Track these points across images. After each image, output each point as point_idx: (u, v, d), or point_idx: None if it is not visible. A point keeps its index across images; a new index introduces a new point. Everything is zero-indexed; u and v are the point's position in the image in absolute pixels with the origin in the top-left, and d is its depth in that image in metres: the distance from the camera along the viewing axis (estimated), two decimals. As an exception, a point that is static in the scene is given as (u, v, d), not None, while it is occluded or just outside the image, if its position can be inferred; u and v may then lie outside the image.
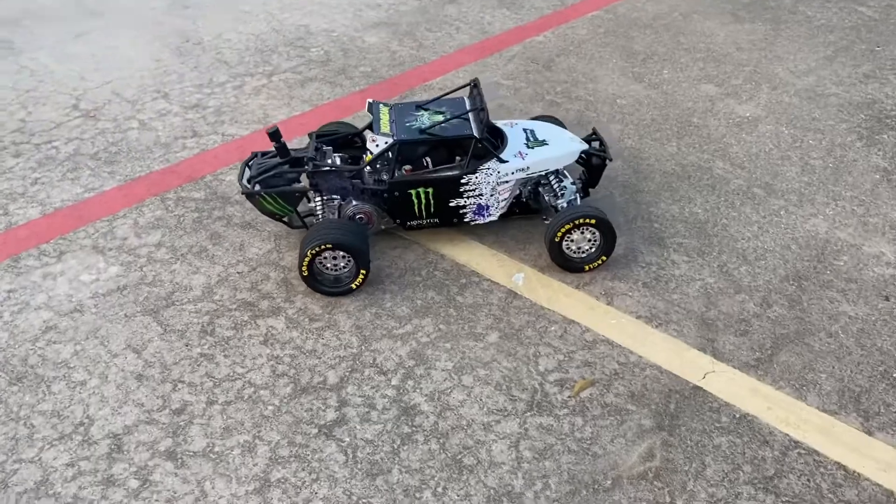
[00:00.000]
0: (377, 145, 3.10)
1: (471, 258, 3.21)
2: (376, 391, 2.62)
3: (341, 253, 2.92)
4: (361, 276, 2.98)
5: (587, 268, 3.11)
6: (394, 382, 2.65)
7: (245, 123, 4.27)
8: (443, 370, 2.69)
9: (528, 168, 3.14)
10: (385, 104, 3.30)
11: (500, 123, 3.32)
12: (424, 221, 3.21)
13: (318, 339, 2.83)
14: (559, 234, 3.01)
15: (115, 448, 2.44)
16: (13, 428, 2.51)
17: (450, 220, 3.21)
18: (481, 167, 3.07)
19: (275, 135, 3.17)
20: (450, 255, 3.24)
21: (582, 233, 3.04)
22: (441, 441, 2.45)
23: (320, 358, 2.76)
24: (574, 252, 3.10)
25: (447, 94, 3.33)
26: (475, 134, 3.03)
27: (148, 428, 2.50)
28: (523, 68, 4.83)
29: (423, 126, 3.11)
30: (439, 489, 2.31)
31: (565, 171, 3.30)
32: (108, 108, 4.44)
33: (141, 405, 2.58)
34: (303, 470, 2.36)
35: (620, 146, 3.97)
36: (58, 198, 3.66)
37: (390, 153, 3.07)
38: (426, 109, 3.25)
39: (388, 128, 3.12)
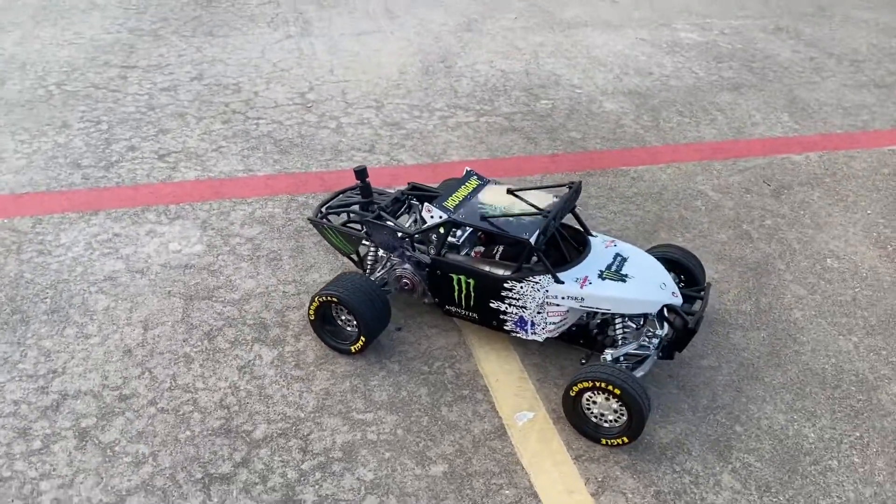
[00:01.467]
0: (431, 217, 2.85)
1: (494, 371, 2.81)
2: (282, 466, 2.43)
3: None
4: (360, 343, 2.78)
5: (604, 441, 2.53)
6: (304, 467, 2.43)
7: (419, 154, 4.24)
8: (358, 479, 2.39)
9: (582, 299, 2.63)
10: (479, 178, 3.02)
11: (598, 239, 2.84)
12: (462, 311, 2.88)
13: (284, 387, 2.71)
14: (576, 388, 2.49)
15: (55, 406, 2.59)
16: (9, 351, 2.81)
17: (489, 322, 2.84)
18: (530, 278, 2.66)
19: (361, 173, 3.10)
20: (478, 357, 2.87)
21: (607, 399, 2.47)
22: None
23: (268, 407, 2.63)
24: (595, 417, 2.54)
25: (547, 187, 2.93)
26: (529, 240, 2.62)
27: (90, 401, 2.62)
28: (746, 186, 4.09)
29: (489, 213, 2.78)
30: None
31: (656, 321, 2.70)
32: (326, 104, 4.73)
33: (104, 377, 2.71)
34: (163, 508, 2.29)
35: (783, 315, 3.16)
36: (219, 168, 4.00)
37: (441, 229, 2.81)
38: (516, 197, 2.90)
39: (454, 203, 2.85)
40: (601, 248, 2.81)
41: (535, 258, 2.77)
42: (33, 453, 2.42)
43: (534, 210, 2.75)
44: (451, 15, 6.36)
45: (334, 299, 2.72)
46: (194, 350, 2.84)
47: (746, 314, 3.15)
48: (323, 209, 3.12)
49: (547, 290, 2.65)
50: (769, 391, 2.79)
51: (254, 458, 2.44)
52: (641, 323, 2.74)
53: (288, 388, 2.70)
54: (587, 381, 2.45)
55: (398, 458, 2.46)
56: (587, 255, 2.76)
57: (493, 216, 2.76)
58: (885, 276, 3.42)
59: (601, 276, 2.67)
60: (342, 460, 2.45)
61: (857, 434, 2.63)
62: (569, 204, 2.78)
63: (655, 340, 2.71)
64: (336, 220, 3.12)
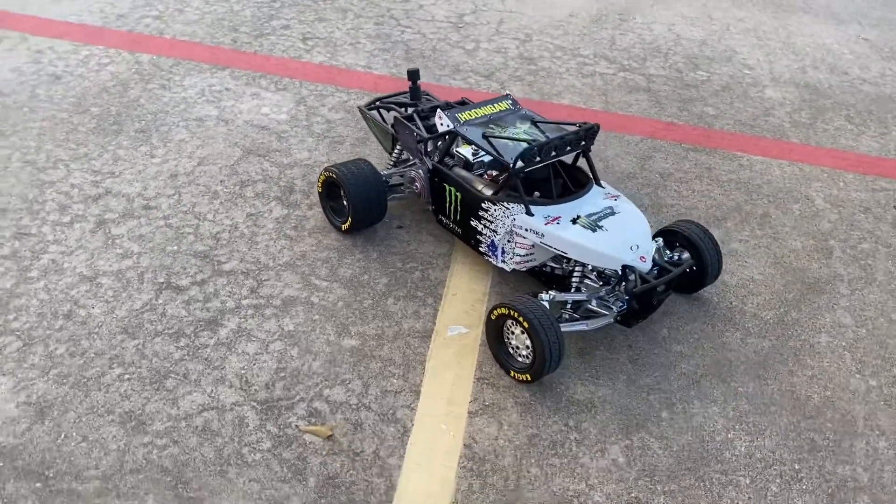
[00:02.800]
0: (441, 124, 2.92)
1: (458, 286, 2.87)
2: (227, 296, 2.71)
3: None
4: (349, 223, 2.97)
5: (511, 374, 2.51)
6: (244, 302, 2.69)
7: (532, 90, 4.25)
8: (280, 327, 2.61)
9: (542, 235, 2.58)
10: (513, 103, 3.00)
11: (601, 190, 2.74)
12: (450, 225, 2.95)
13: (272, 240, 2.98)
14: (495, 313, 2.49)
15: (96, 197, 3.11)
16: (93, 149, 3.37)
17: (468, 239, 2.88)
18: (504, 203, 2.66)
19: (413, 74, 3.22)
20: (453, 270, 2.93)
21: (522, 332, 2.44)
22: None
23: (249, 250, 2.92)
24: (511, 348, 2.52)
25: (573, 124, 2.85)
26: (511, 165, 2.61)
27: (122, 202, 3.09)
28: (867, 205, 3.60)
29: (491, 133, 2.79)
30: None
31: (631, 275, 2.54)
32: (477, 28, 4.85)
33: (143, 188, 3.18)
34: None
35: (805, 335, 2.83)
36: (344, 59, 4.33)
37: (446, 138, 2.87)
38: (536, 126, 2.88)
39: (468, 117, 2.88)
40: (598, 197, 2.71)
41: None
42: (59, 224, 2.94)
43: (537, 138, 2.72)
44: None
45: (333, 175, 2.92)
46: (224, 190, 3.21)
47: (761, 320, 2.85)
48: (376, 102, 3.30)
49: (514, 219, 2.63)
50: (727, 396, 2.55)
51: (210, 282, 2.76)
52: (610, 280, 2.61)
53: (275, 242, 2.97)
54: (504, 308, 2.43)
55: (323, 323, 2.64)
56: (577, 199, 2.68)
57: (494, 136, 2.77)
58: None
59: (575, 220, 2.59)
60: (277, 308, 2.68)
61: (796, 467, 2.34)
62: (573, 143, 2.69)
63: (619, 304, 2.58)
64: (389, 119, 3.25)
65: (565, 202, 2.66)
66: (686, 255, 2.79)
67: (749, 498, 2.23)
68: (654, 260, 2.62)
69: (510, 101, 3.01)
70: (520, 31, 4.86)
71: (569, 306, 2.60)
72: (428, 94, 3.32)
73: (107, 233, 2.92)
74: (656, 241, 2.74)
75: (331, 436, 2.27)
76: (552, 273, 2.76)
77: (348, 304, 2.73)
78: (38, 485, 2.05)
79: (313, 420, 2.31)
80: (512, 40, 4.74)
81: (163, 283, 2.73)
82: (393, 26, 4.75)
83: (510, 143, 2.74)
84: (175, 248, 2.89)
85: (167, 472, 2.12)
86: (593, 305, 2.61)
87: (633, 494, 2.21)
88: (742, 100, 4.38)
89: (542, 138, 2.77)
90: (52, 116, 3.54)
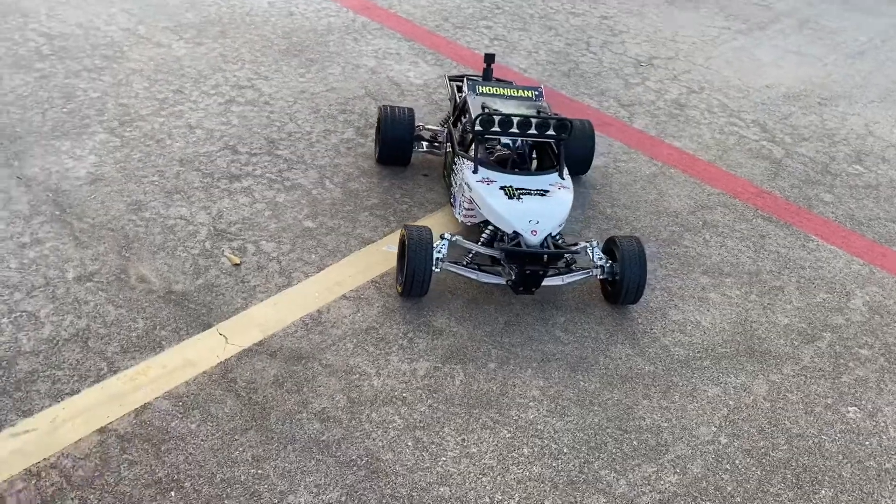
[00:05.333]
0: (461, 92, 3.44)
1: (436, 220, 3.34)
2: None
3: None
4: (377, 154, 3.62)
5: (397, 285, 2.98)
6: (277, 167, 3.53)
7: (654, 129, 4.45)
8: (272, 194, 3.40)
9: (469, 189, 3.00)
10: (538, 96, 3.39)
11: (558, 179, 3.03)
12: (444, 181, 3.46)
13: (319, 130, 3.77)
14: (401, 234, 2.95)
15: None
16: (192, 37, 4.48)
17: (447, 192, 3.38)
18: (464, 157, 3.12)
19: (489, 57, 3.74)
20: (437, 214, 3.42)
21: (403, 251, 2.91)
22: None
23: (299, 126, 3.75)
24: (401, 263, 2.98)
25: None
26: (475, 124, 3.05)
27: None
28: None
29: (490, 106, 3.24)
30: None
31: (515, 240, 2.88)
32: (703, 97, 5.12)
33: (197, 120, 4.18)
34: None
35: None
36: (513, 60, 4.95)
37: (458, 102, 3.41)
38: (538, 115, 3.25)
39: (487, 90, 3.36)
40: (545, 181, 3.02)
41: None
42: (205, 93, 4.04)
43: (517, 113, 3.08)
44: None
45: (379, 112, 3.59)
46: (325, 110, 4.07)
47: (664, 351, 2.89)
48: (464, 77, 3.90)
49: (463, 174, 3.07)
50: (559, 381, 2.72)
51: (258, 156, 3.62)
52: (504, 239, 2.91)
53: (325, 151, 3.73)
54: (403, 230, 2.91)
55: (303, 206, 3.34)
56: (525, 175, 3.03)
57: (491, 109, 3.20)
58: None
59: (504, 187, 2.95)
60: (284, 187, 3.44)
61: (553, 446, 2.47)
62: (538, 127, 3.03)
63: (510, 271, 2.86)
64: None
65: (513, 174, 3.02)
66: (609, 264, 2.95)
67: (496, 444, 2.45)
68: (553, 243, 2.87)
69: (537, 92, 3.40)
70: (696, 83, 4.99)
71: (471, 255, 2.96)
72: (500, 79, 3.82)
73: (227, 108, 3.96)
74: (590, 243, 2.96)
75: (238, 265, 2.98)
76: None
77: (333, 203, 3.40)
78: (64, 230, 3.08)
79: (237, 253, 3.04)
80: (681, 87, 4.91)
81: (230, 145, 3.66)
82: (581, 48, 5.21)
83: (495, 103, 3.15)
84: (258, 130, 3.81)
85: (131, 238, 3.02)
86: (492, 263, 2.94)
87: (404, 395, 2.56)
88: (878, 201, 4.06)
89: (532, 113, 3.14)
90: (263, 36, 4.73)
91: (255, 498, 2.18)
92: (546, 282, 2.91)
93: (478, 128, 3.02)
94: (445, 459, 2.39)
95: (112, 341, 2.60)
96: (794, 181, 4.10)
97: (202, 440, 2.32)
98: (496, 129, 3.03)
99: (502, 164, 3.12)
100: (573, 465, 2.42)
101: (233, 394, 2.48)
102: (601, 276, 2.95)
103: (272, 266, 3.01)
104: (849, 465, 2.57)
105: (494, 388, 2.64)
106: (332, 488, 2.25)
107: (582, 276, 2.98)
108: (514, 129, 3.05)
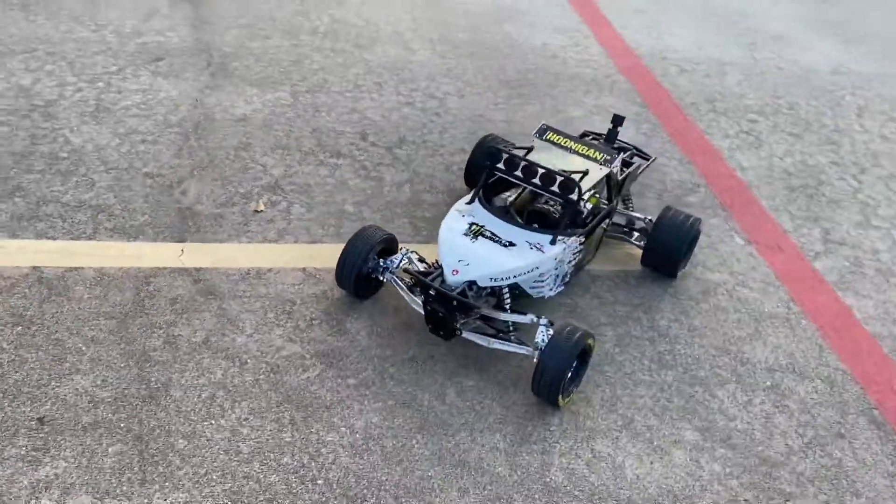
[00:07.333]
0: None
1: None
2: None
3: None
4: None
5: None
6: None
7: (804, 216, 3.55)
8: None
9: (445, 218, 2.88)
10: (603, 161, 3.07)
11: (538, 238, 2.74)
12: None
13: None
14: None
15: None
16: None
17: None
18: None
19: (618, 119, 3.44)
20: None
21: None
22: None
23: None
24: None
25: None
26: (489, 164, 2.90)
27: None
28: None
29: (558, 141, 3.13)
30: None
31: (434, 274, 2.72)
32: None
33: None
34: None
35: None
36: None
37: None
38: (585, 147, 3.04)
39: (553, 138, 3.16)
40: (522, 236, 2.75)
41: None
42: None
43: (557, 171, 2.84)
44: None
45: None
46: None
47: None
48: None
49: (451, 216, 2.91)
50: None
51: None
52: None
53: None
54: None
55: (366, 188, 3.53)
56: (510, 224, 2.79)
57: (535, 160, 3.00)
58: None
59: (473, 225, 2.76)
60: (372, 170, 3.68)
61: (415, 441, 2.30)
62: (557, 185, 2.76)
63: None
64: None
65: (502, 219, 2.80)
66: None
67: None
68: (475, 290, 2.61)
69: (608, 157, 3.07)
70: None
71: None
72: (621, 140, 3.49)
73: (399, 108, 4.28)
74: (541, 319, 2.62)
75: (258, 212, 3.33)
76: None
77: (389, 202, 3.49)
78: (180, 141, 3.78)
79: (268, 204, 3.38)
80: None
81: (363, 133, 4.00)
82: (844, 171, 4.31)
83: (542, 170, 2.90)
84: (402, 129, 4.07)
85: (213, 164, 3.57)
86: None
87: (246, 361, 2.63)
88: None
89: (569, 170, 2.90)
90: (503, 66, 4.91)
91: (60, 350, 2.49)
92: (469, 335, 2.64)
93: (486, 161, 2.86)
94: (222, 423, 2.40)
95: (113, 220, 3.15)
96: None
97: (80, 307, 2.72)
98: (501, 166, 2.83)
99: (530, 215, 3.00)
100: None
101: (134, 291, 2.83)
102: (536, 360, 2.56)
103: (279, 224, 3.26)
104: None
105: (328, 400, 2.52)
106: (110, 387, 2.45)
107: (512, 349, 2.63)
108: (518, 174, 2.81)
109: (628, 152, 3.48)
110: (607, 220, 3.10)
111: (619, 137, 3.51)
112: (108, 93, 3.98)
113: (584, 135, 3.63)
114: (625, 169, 3.30)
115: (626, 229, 3.32)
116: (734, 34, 5.82)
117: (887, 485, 2.51)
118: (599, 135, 3.59)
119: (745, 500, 2.40)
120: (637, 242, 3.26)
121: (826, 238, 3.70)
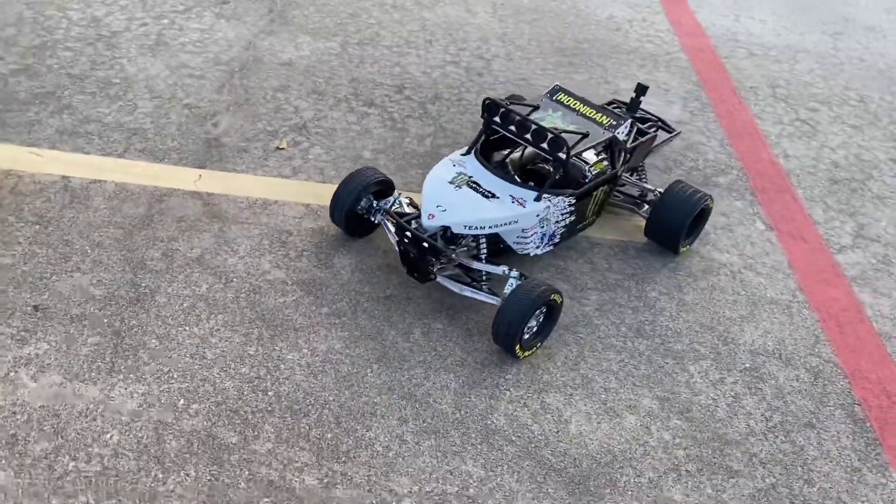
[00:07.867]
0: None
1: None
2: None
3: None
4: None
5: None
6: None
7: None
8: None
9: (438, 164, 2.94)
10: (609, 126, 3.04)
11: (523, 193, 2.75)
12: None
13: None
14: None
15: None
16: None
17: None
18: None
19: (642, 89, 3.38)
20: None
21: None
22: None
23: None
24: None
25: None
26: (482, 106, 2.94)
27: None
28: None
29: (539, 115, 3.07)
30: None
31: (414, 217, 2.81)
32: None
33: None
34: None
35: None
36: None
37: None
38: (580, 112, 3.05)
39: (563, 98, 3.15)
40: (514, 191, 2.77)
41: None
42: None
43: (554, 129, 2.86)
44: None
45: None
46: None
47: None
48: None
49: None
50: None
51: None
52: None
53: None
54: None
55: (389, 138, 3.64)
56: (498, 178, 2.82)
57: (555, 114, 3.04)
58: None
59: (463, 175, 2.82)
60: (399, 121, 3.78)
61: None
62: (537, 134, 2.77)
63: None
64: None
65: (490, 171, 2.84)
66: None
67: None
68: (448, 234, 2.67)
69: (615, 122, 3.04)
70: None
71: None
72: (646, 111, 3.44)
73: (443, 65, 4.35)
74: (511, 271, 2.66)
75: (279, 149, 3.49)
76: None
77: (406, 152, 3.58)
78: (224, 79, 3.98)
79: (291, 143, 3.54)
80: None
81: (401, 87, 4.08)
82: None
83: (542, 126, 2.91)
84: (439, 86, 4.14)
85: (249, 103, 3.76)
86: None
87: (233, 280, 2.80)
88: None
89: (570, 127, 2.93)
90: (560, 32, 4.88)
91: (67, 250, 2.73)
92: (443, 280, 2.72)
93: (483, 112, 2.90)
94: (195, 331, 2.57)
95: (144, 143, 3.38)
96: None
97: (95, 215, 2.96)
98: (497, 118, 2.87)
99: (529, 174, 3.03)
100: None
101: (147, 207, 3.05)
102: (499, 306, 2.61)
103: (296, 162, 3.42)
104: None
105: (298, 323, 2.66)
106: (103, 287, 2.67)
107: (481, 297, 2.68)
108: (512, 128, 2.83)
109: (648, 123, 3.42)
110: (607, 186, 3.07)
111: (649, 110, 3.45)
112: (170, 29, 4.23)
113: (609, 103, 3.58)
114: (639, 137, 3.24)
115: (638, 201, 3.28)
116: (822, 22, 5.53)
117: (846, 478, 2.42)
118: (624, 103, 3.53)
119: (687, 471, 2.37)
120: (645, 214, 3.22)
121: (858, 233, 3.52)
